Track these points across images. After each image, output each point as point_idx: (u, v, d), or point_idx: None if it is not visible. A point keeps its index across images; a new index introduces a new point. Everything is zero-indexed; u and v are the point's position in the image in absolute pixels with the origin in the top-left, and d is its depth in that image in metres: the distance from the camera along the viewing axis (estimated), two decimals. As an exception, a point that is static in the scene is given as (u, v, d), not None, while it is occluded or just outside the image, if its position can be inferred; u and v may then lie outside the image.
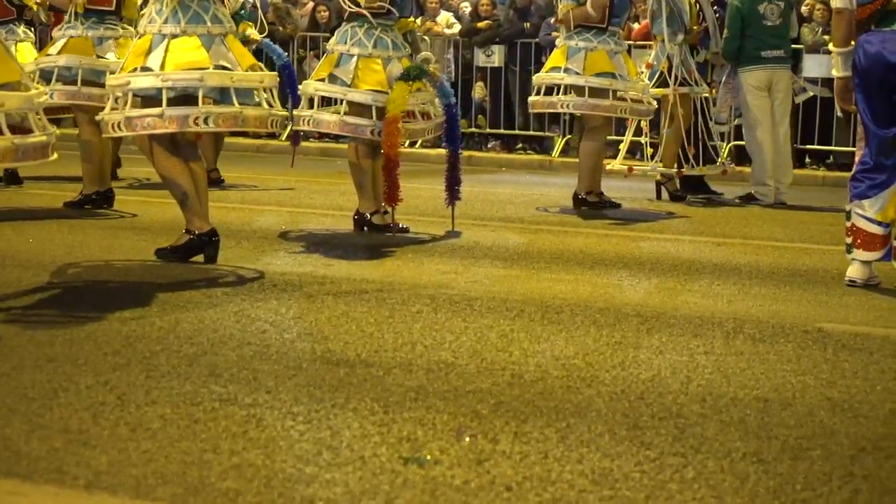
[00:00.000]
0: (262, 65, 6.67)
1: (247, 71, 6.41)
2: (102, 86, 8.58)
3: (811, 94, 12.84)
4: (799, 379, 4.43)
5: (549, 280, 6.49)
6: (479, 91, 15.92)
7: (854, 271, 6.52)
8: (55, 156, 5.48)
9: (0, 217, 8.45)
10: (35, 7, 9.66)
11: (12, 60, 5.48)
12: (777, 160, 10.69)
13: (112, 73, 8.63)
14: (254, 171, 12.65)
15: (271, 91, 6.52)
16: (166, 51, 6.29)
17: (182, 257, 6.59)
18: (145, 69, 6.31)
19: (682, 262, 7.24)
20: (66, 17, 8.83)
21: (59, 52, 8.68)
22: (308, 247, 7.50)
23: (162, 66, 6.26)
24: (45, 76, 8.55)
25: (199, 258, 6.61)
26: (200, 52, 6.31)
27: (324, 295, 5.83)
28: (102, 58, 8.68)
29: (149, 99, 6.32)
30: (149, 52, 6.34)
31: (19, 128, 5.36)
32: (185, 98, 6.30)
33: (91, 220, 8.38)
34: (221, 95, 6.37)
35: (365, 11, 7.88)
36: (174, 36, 6.32)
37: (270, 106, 6.47)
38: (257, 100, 6.43)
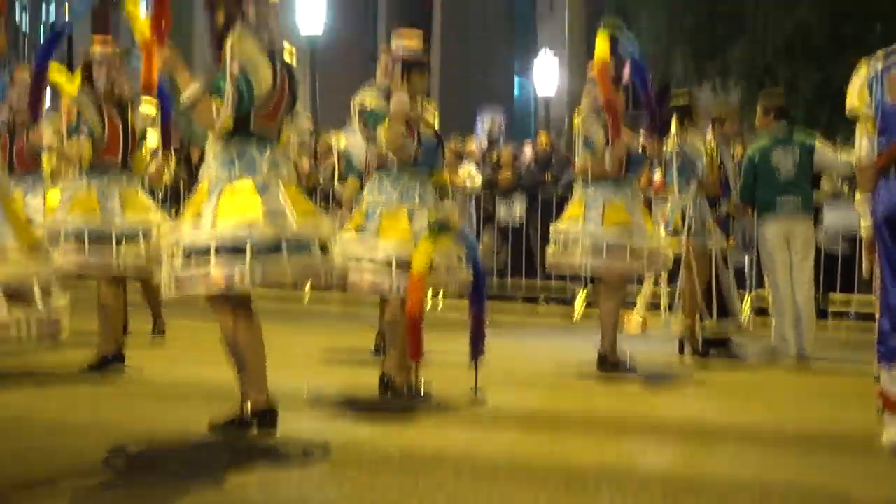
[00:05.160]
0: (318, 211, 6.57)
1: (300, 218, 6.24)
2: (112, 243, 8.73)
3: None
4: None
5: (573, 445, 6.47)
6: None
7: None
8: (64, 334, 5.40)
9: (22, 374, 8.42)
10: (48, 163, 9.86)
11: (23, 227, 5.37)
12: (799, 313, 10.65)
13: (119, 227, 8.75)
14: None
15: (328, 241, 6.38)
16: (219, 200, 6.14)
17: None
18: (197, 221, 6.16)
19: (706, 425, 7.21)
20: (73, 173, 8.90)
21: (68, 212, 8.76)
22: (332, 409, 7.49)
23: (213, 218, 6.10)
24: (54, 238, 8.55)
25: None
26: (253, 200, 6.14)
27: (347, 462, 5.81)
28: (108, 212, 8.75)
29: (199, 254, 6.12)
30: (203, 202, 6.20)
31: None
32: (235, 250, 6.09)
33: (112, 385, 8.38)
34: (273, 246, 6.15)
35: (391, 156, 7.91)
36: (228, 181, 6.20)
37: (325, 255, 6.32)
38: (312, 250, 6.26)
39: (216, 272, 6.04)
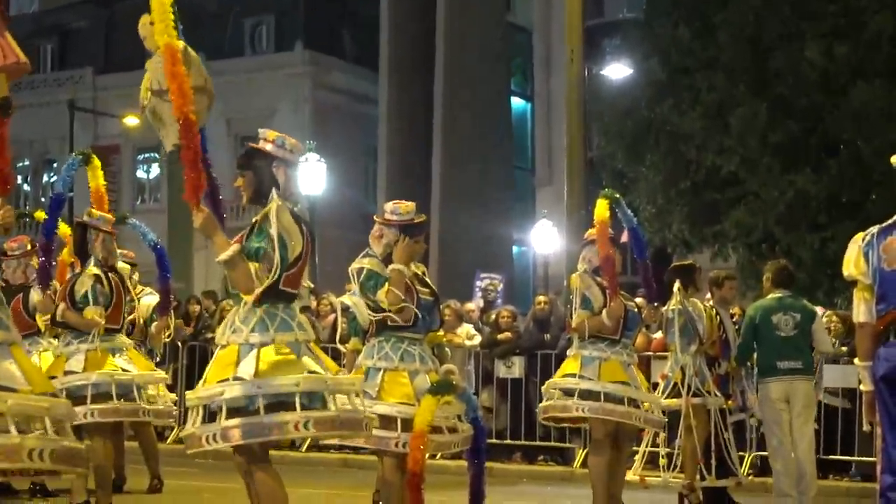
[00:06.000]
0: (343, 369, 6.60)
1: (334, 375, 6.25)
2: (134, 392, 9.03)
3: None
4: None
5: None
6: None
7: None
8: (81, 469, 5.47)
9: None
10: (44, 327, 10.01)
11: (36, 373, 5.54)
12: (799, 471, 10.56)
13: (137, 383, 8.99)
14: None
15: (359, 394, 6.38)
16: (257, 359, 6.09)
17: None
18: (238, 379, 6.07)
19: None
20: (87, 335, 9.04)
21: (85, 370, 8.84)
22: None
23: (255, 374, 6.04)
24: (75, 395, 8.56)
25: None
26: (293, 360, 6.13)
27: None
28: (126, 370, 8.95)
29: (240, 409, 6.06)
30: (237, 362, 6.14)
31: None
32: (278, 405, 6.05)
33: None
34: (311, 401, 6.11)
35: (392, 315, 7.90)
36: (263, 344, 6.14)
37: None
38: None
39: (268, 421, 5.96)
